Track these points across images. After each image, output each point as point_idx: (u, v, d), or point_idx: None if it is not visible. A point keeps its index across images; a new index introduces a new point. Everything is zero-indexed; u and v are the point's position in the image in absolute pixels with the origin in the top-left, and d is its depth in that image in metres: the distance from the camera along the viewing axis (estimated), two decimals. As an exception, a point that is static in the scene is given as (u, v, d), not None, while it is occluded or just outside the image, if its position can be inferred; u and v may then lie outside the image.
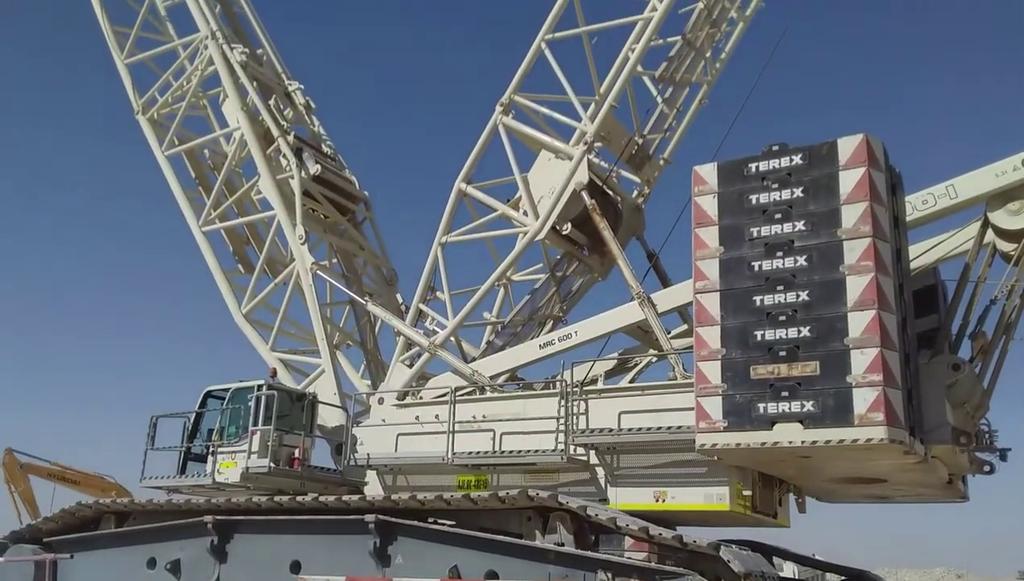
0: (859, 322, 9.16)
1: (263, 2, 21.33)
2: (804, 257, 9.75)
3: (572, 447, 11.82)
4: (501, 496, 9.83)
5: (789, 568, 19.74)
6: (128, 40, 19.26)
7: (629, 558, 9.36)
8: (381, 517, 10.51)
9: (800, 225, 9.91)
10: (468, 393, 14.01)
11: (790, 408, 9.31)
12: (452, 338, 15.17)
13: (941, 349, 10.72)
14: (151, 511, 12.67)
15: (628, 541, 11.26)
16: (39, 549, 12.89)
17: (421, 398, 14.52)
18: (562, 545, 9.58)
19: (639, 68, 14.75)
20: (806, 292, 9.59)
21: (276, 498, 12.06)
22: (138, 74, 19.40)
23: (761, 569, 8.88)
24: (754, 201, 10.31)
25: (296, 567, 10.98)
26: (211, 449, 14.09)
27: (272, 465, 13.36)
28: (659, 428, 11.34)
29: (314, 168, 17.26)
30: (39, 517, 29.08)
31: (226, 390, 14.60)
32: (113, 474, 30.25)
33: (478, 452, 12.81)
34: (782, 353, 9.58)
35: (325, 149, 19.06)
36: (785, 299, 9.76)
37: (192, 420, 14.85)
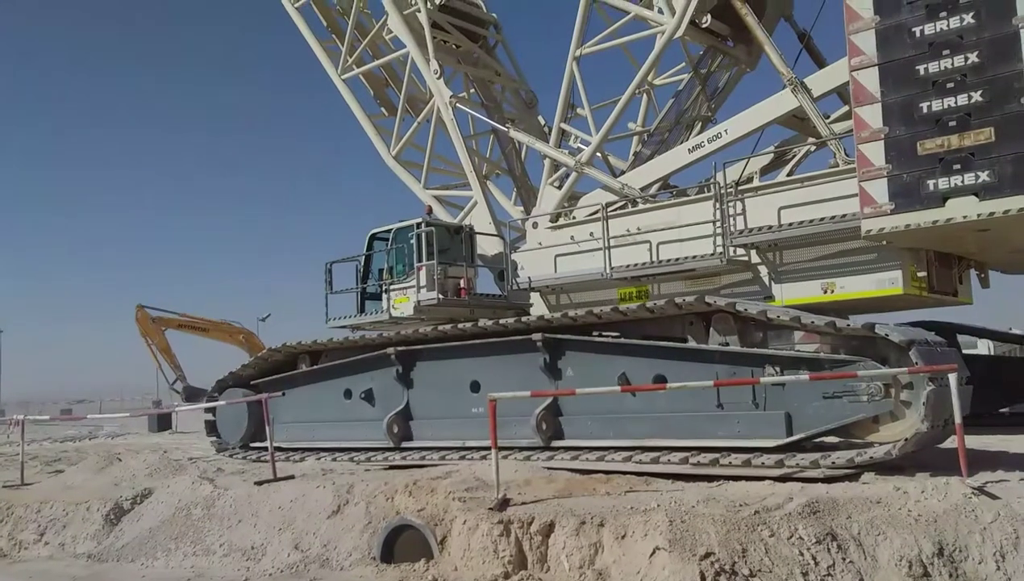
0: (1039, 76, 8.24)
1: None
2: (971, 14, 8.74)
3: (731, 249, 11.62)
4: (678, 302, 9.83)
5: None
6: None
7: (797, 351, 9.27)
8: (548, 335, 10.85)
9: (963, -18, 8.84)
10: (620, 207, 13.92)
11: (963, 181, 8.67)
12: (599, 154, 14.97)
13: None
14: (342, 348, 13.66)
15: (798, 335, 11.15)
16: (248, 392, 14.30)
17: (574, 218, 14.58)
18: (727, 345, 9.60)
19: None
20: (975, 53, 8.66)
21: (448, 326, 12.65)
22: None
23: (925, 338, 8.55)
24: (909, -40, 9.24)
25: (476, 387, 11.64)
26: (384, 287, 14.91)
27: (441, 297, 14.03)
28: (822, 219, 10.92)
29: (438, -3, 16.94)
30: (177, 365, 32.25)
31: (388, 231, 15.22)
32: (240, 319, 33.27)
33: (636, 264, 12.86)
34: (952, 123, 8.83)
35: (448, -24, 18.58)
36: (952, 64, 8.87)
37: (363, 262, 15.67)
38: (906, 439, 8.06)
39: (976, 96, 8.65)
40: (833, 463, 8.48)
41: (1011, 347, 18.82)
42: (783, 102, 12.44)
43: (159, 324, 31.90)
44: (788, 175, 13.22)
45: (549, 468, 10.12)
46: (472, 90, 17.95)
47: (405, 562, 8.53)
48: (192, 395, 31.21)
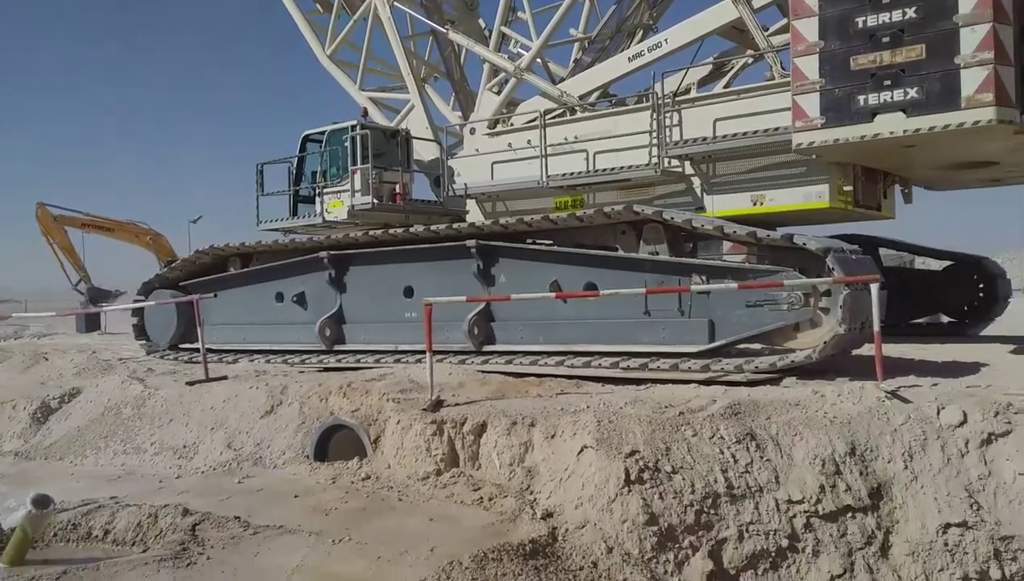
0: (971, -4, 8.38)
1: None
2: (910, -74, 8.78)
3: (666, 159, 11.73)
4: (607, 212, 9.96)
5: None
6: None
7: (723, 260, 9.53)
8: (481, 241, 10.90)
9: None
10: (559, 115, 13.86)
11: (892, 97, 8.85)
12: (538, 60, 14.79)
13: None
14: (273, 251, 13.49)
15: (727, 246, 11.41)
16: (177, 294, 14.08)
17: (512, 125, 14.48)
18: (657, 254, 9.79)
19: None
20: (913, -33, 8.75)
21: (380, 231, 12.58)
22: None
23: (841, 246, 8.88)
24: None
25: (409, 292, 11.68)
26: (317, 191, 14.69)
27: (375, 201, 13.89)
28: (755, 132, 11.06)
29: None
30: (81, 266, 31.27)
31: (322, 133, 14.90)
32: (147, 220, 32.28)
33: (572, 173, 12.89)
34: (885, 39, 8.94)
35: None
36: (890, -22, 8.95)
37: (295, 164, 15.36)
38: (825, 342, 8.42)
39: (910, 12, 8.75)
40: (756, 368, 8.82)
41: (901, 259, 19.23)
42: (723, 12, 12.39)
43: (61, 223, 30.58)
44: (725, 87, 13.27)
45: (483, 371, 10.30)
46: (411, -12, 17.40)
47: (339, 460, 8.68)
48: (96, 297, 30.36)
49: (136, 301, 14.82)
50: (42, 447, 10.38)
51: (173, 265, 14.50)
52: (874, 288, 7.69)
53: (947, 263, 14.54)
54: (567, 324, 10.38)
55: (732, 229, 9.14)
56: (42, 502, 6.46)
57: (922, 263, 17.47)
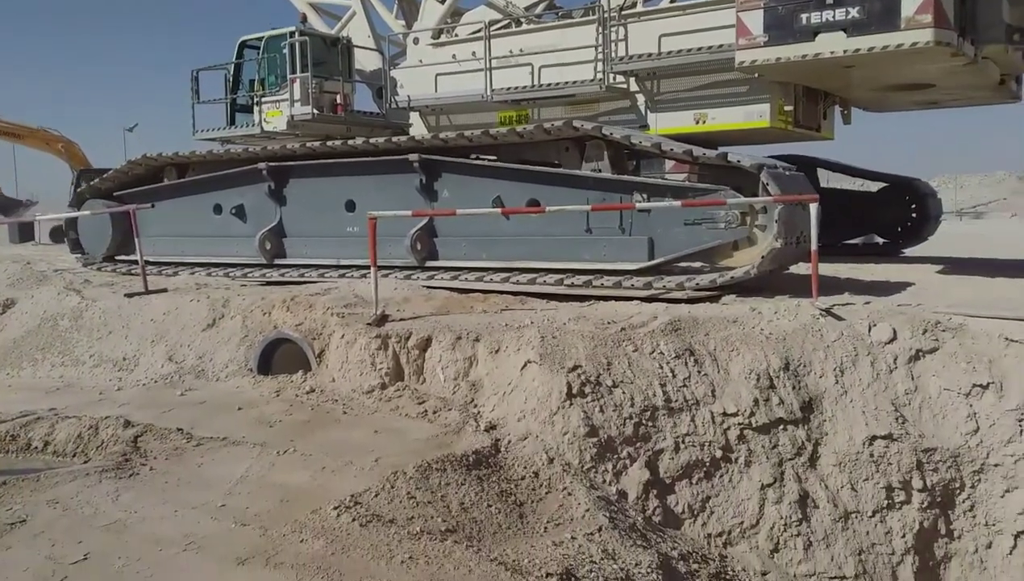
0: (915, -87, 8.37)
1: None
2: None
3: (611, 75, 11.66)
4: (547, 128, 9.94)
5: None
6: None
7: (664, 179, 9.63)
8: (424, 156, 10.79)
9: None
10: (504, 27, 13.60)
11: (834, 16, 8.86)
12: (484, -33, 14.43)
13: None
14: (208, 162, 13.16)
15: (669, 165, 11.48)
16: (111, 204, 13.69)
17: (456, 35, 14.17)
18: (599, 171, 9.83)
19: None
20: None
21: (318, 143, 12.34)
22: None
23: (774, 163, 9.06)
24: None
25: (351, 206, 11.56)
26: (255, 100, 14.27)
27: (316, 112, 13.57)
28: (699, 49, 11.03)
29: None
30: None
31: (260, 39, 14.40)
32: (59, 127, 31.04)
33: (517, 87, 12.74)
34: (829, -44, 8.93)
35: None
36: None
37: (232, 71, 14.86)
38: (763, 257, 8.63)
39: (855, -70, 8.72)
40: (697, 285, 9.02)
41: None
42: (672, -77, 12.18)
43: None
44: (671, 2, 13.13)
45: (428, 287, 10.33)
46: None
47: (282, 374, 8.70)
48: (6, 206, 29.44)
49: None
50: (-25, 360, 10.17)
51: (105, 176, 14.02)
52: (813, 209, 7.88)
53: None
54: (510, 240, 10.42)
55: (670, 147, 9.21)
56: (-21, 415, 6.38)
57: (861, 185, 17.71)
